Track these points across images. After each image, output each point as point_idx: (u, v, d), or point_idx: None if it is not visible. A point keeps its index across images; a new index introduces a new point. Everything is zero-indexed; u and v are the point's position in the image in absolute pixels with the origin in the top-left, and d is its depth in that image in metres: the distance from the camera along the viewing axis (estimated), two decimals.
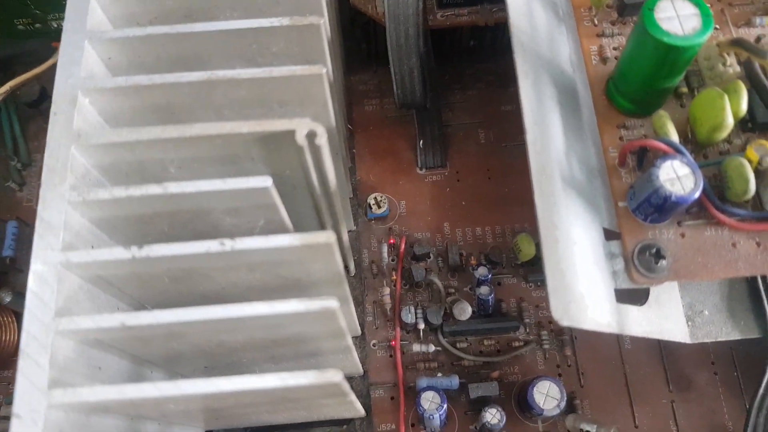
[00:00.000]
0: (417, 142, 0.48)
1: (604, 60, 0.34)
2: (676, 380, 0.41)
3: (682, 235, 0.31)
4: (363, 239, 0.46)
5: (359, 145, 0.49)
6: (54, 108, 0.30)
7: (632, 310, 0.31)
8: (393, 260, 0.45)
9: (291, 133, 0.28)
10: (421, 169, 0.48)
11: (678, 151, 0.29)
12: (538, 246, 0.42)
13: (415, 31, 0.40)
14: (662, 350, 0.41)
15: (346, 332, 0.29)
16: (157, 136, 0.28)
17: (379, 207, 0.45)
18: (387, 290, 0.43)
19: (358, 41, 0.50)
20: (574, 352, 0.42)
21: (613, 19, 0.35)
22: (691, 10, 0.29)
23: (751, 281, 0.35)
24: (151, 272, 0.28)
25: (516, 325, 0.42)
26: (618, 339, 0.42)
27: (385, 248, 0.45)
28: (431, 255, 0.44)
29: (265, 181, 0.27)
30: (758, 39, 0.34)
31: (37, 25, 0.51)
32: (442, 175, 0.48)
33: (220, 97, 0.31)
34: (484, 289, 0.41)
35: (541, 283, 0.43)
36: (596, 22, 0.35)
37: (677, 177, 0.28)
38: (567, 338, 0.42)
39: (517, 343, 0.42)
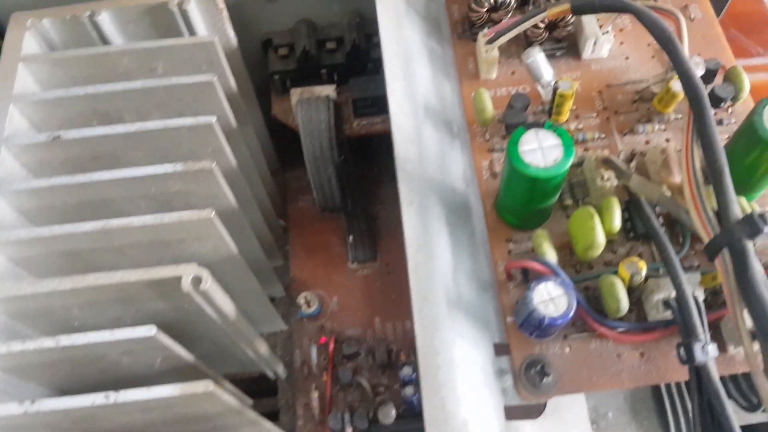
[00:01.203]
0: (347, 238, 0.49)
1: (494, 175, 0.36)
2: None
3: (569, 348, 0.32)
4: (295, 338, 0.47)
5: (293, 241, 0.51)
6: None
7: (525, 426, 0.32)
8: (324, 359, 0.46)
9: (178, 279, 0.29)
10: (352, 263, 0.49)
11: (553, 271, 0.30)
12: None
13: (328, 144, 0.42)
14: None
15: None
16: (53, 288, 0.30)
17: (309, 306, 0.46)
18: (316, 394, 0.44)
19: (290, 141, 0.52)
20: None
21: (504, 134, 0.37)
22: (554, 140, 0.30)
23: None
24: (51, 421, 0.29)
25: None
26: None
27: (314, 349, 0.46)
28: (361, 353, 0.45)
29: (149, 331, 0.28)
30: (632, 156, 0.35)
31: None
32: (372, 269, 0.49)
33: (120, 241, 0.32)
34: (408, 390, 0.42)
35: None
36: (488, 137, 0.37)
37: (551, 298, 0.29)
38: None
39: None
